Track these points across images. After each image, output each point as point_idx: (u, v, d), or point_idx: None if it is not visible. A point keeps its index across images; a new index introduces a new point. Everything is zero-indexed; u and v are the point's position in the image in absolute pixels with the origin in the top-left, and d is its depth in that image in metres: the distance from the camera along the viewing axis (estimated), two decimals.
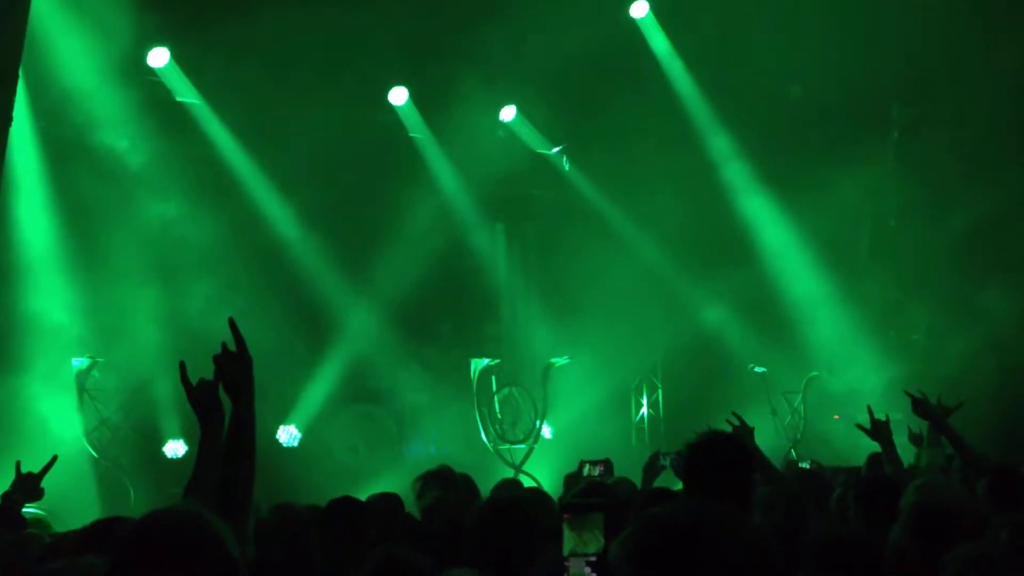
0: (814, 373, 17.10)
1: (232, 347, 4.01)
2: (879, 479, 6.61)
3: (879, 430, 7.76)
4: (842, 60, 15.04)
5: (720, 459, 4.60)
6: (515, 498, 5.69)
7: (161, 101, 14.31)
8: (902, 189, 17.25)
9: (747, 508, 4.53)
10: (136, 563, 2.84)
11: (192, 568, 2.83)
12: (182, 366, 4.12)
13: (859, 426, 7.89)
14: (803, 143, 15.96)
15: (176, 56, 14.18)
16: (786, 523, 5.51)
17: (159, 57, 14.11)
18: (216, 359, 4.01)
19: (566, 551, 3.07)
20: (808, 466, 8.51)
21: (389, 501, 6.71)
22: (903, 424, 9.68)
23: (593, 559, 3.06)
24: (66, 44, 12.98)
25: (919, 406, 8.03)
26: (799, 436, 16.72)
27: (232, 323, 4.02)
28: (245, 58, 13.58)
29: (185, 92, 14.57)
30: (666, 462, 8.20)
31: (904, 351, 16.79)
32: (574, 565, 3.06)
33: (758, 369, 17.01)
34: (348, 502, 6.11)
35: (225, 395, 4.05)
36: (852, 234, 17.87)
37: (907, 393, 8.31)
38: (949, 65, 15.29)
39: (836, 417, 17.18)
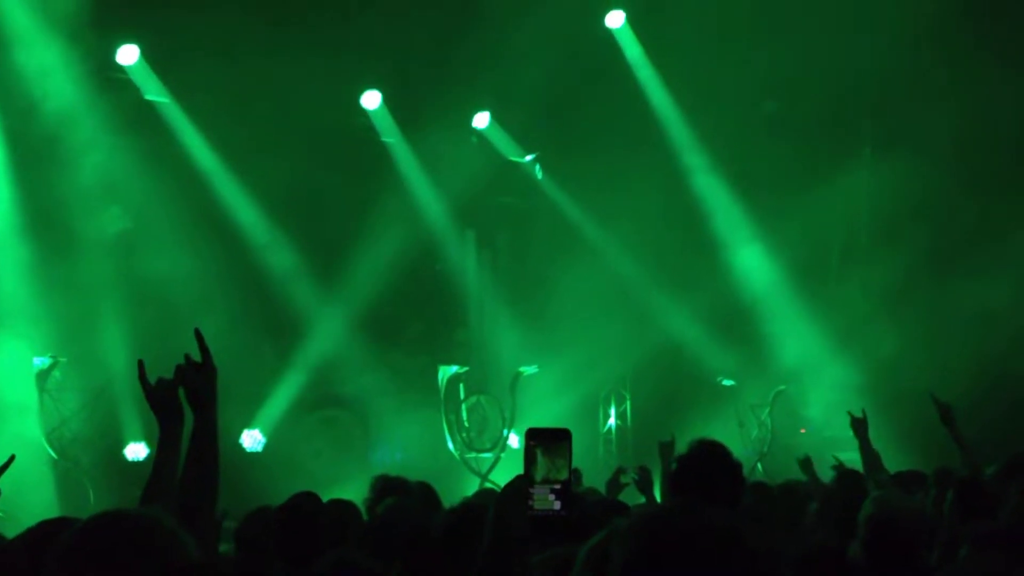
0: (782, 387, 17.12)
1: (197, 357, 3.95)
2: (850, 494, 6.62)
3: (856, 426, 8.49)
4: (816, 76, 15.07)
5: (712, 471, 4.59)
6: (484, 505, 5.62)
7: (130, 99, 14.18)
8: (873, 205, 17.31)
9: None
10: (82, 564, 2.77)
11: (142, 569, 2.76)
12: (140, 365, 4.04)
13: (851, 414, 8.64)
14: (776, 157, 15.97)
15: (146, 54, 14.06)
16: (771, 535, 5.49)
17: (129, 55, 13.98)
18: (178, 369, 3.94)
19: (539, 477, 3.06)
20: (835, 468, 8.55)
21: (344, 506, 6.64)
22: (874, 439, 9.67)
23: (557, 487, 3.05)
24: (34, 41, 12.84)
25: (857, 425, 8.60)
26: (766, 449, 16.73)
27: (198, 334, 3.95)
28: (216, 58, 13.48)
29: (155, 91, 14.45)
30: (627, 479, 8.19)
31: (872, 365, 16.83)
32: (539, 492, 3.05)
33: (726, 382, 17.03)
34: (306, 500, 6.03)
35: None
36: (823, 248, 17.92)
37: (848, 413, 8.88)
38: (920, 82, 15.37)
39: (803, 431, 17.21)
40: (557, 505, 3.05)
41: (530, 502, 3.06)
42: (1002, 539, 4.87)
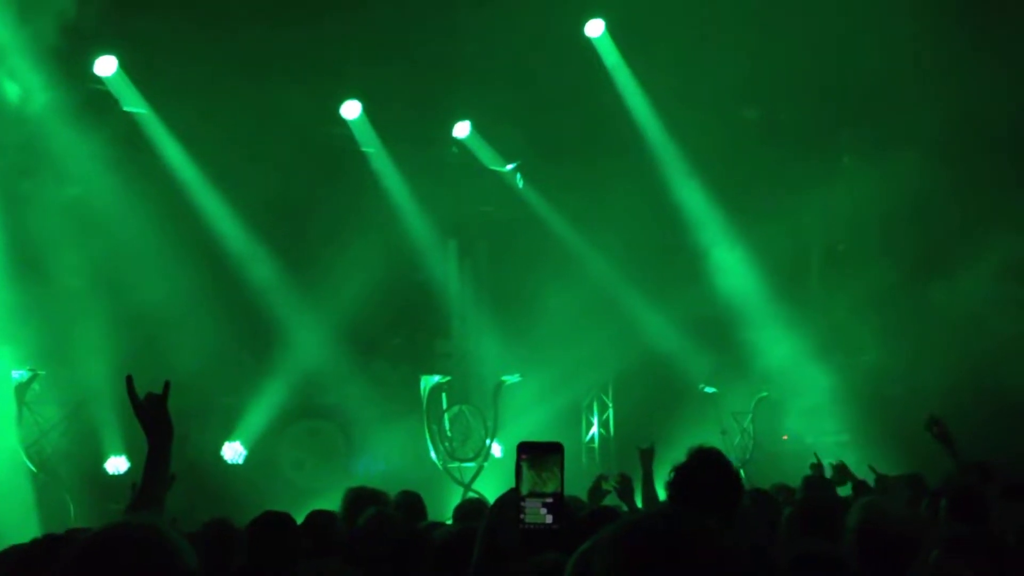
0: (764, 394, 17.16)
1: (178, 369, 3.97)
2: (815, 501, 6.70)
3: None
4: (796, 83, 15.12)
5: (711, 478, 4.61)
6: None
7: (108, 111, 14.14)
8: (852, 213, 17.37)
9: (730, 526, 4.52)
10: None
11: None
12: (129, 380, 4.03)
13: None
14: (757, 165, 16.01)
15: (124, 65, 14.02)
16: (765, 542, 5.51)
17: (106, 65, 13.93)
18: (166, 385, 3.95)
19: (526, 491, 3.04)
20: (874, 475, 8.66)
21: (324, 517, 6.63)
22: (852, 445, 9.75)
23: (549, 500, 3.04)
24: (10, 52, 12.79)
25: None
26: (748, 456, 16.76)
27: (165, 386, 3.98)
28: (195, 69, 13.45)
29: (133, 102, 14.41)
30: (608, 486, 8.19)
31: (852, 372, 16.89)
32: (531, 505, 3.04)
33: (708, 389, 17.05)
34: (278, 517, 6.01)
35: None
36: (804, 255, 17.98)
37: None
38: (899, 89, 15.43)
39: (785, 438, 17.25)
40: (549, 519, 3.04)
41: (522, 516, 3.05)
42: (970, 544, 4.89)
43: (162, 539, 2.88)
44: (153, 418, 4.01)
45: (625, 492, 7.83)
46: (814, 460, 9.14)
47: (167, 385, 3.96)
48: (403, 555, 5.26)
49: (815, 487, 8.27)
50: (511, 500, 3.13)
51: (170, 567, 2.84)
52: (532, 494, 3.07)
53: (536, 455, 3.10)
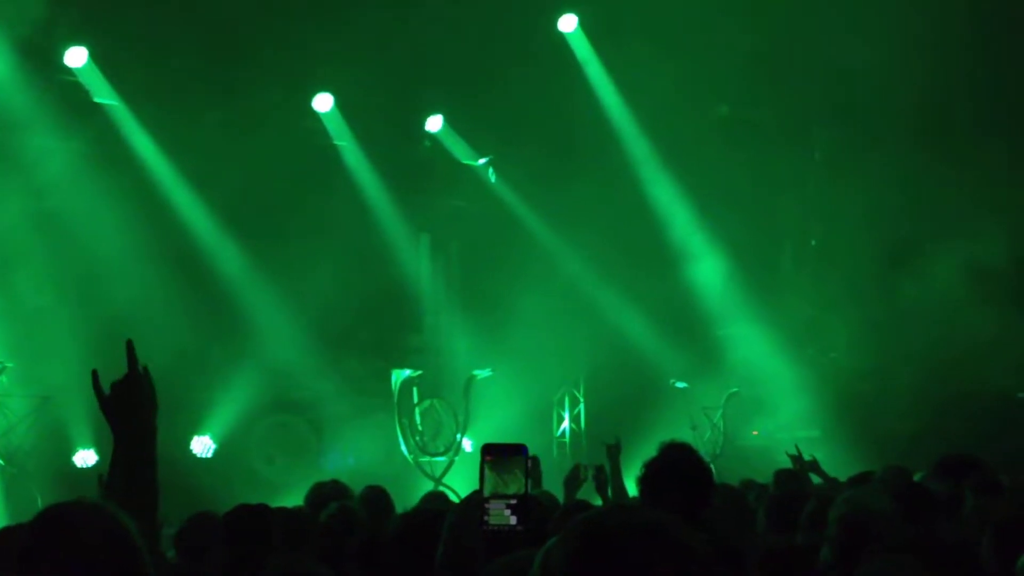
0: (734, 389, 17.20)
1: (149, 363, 3.91)
2: (787, 494, 6.72)
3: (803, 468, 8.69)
4: (768, 80, 15.17)
5: (679, 476, 4.61)
6: (437, 510, 5.62)
7: (78, 102, 14.05)
8: (823, 209, 17.45)
9: (700, 524, 4.53)
10: (39, 555, 2.78)
11: (96, 558, 2.77)
12: (94, 375, 3.98)
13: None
14: (729, 161, 16.06)
15: (95, 56, 13.92)
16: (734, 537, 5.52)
17: (77, 57, 13.84)
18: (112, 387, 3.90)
19: (487, 492, 3.04)
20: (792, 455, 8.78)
21: (291, 512, 6.61)
22: (823, 440, 9.81)
23: (513, 501, 3.04)
24: None
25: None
26: (718, 452, 16.79)
27: (128, 345, 3.91)
28: (166, 60, 13.39)
29: (103, 93, 14.31)
30: (587, 475, 8.20)
31: (823, 368, 16.97)
32: (495, 507, 3.04)
33: (679, 384, 17.07)
34: (251, 509, 5.99)
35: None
36: (775, 253, 18.06)
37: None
38: (871, 88, 15.51)
39: (755, 433, 17.31)
40: (513, 520, 3.04)
41: (485, 517, 3.04)
42: (919, 545, 4.92)
43: (108, 520, 2.86)
44: (117, 410, 3.94)
45: (601, 484, 7.86)
46: (794, 453, 9.20)
47: (133, 362, 3.88)
48: (367, 551, 5.24)
49: (789, 481, 8.31)
50: (475, 501, 3.12)
51: (114, 544, 2.82)
52: (495, 495, 3.06)
53: (500, 457, 3.09)
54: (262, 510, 6.00)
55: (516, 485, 3.05)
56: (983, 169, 14.79)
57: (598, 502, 7.85)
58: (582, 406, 18.56)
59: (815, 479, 8.60)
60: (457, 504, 3.26)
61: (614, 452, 8.21)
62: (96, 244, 13.81)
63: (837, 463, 9.37)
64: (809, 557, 4.75)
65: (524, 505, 3.04)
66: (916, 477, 8.23)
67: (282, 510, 6.56)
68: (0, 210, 13.12)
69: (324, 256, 15.11)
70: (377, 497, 7.48)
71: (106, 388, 3.92)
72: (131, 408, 3.85)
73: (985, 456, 7.18)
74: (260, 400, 15.50)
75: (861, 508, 4.98)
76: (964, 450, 7.92)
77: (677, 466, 4.68)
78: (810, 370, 16.83)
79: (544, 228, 17.27)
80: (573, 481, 8.29)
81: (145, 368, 3.90)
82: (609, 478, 8.06)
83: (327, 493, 7.28)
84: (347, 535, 5.68)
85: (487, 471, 3.06)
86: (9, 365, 13.40)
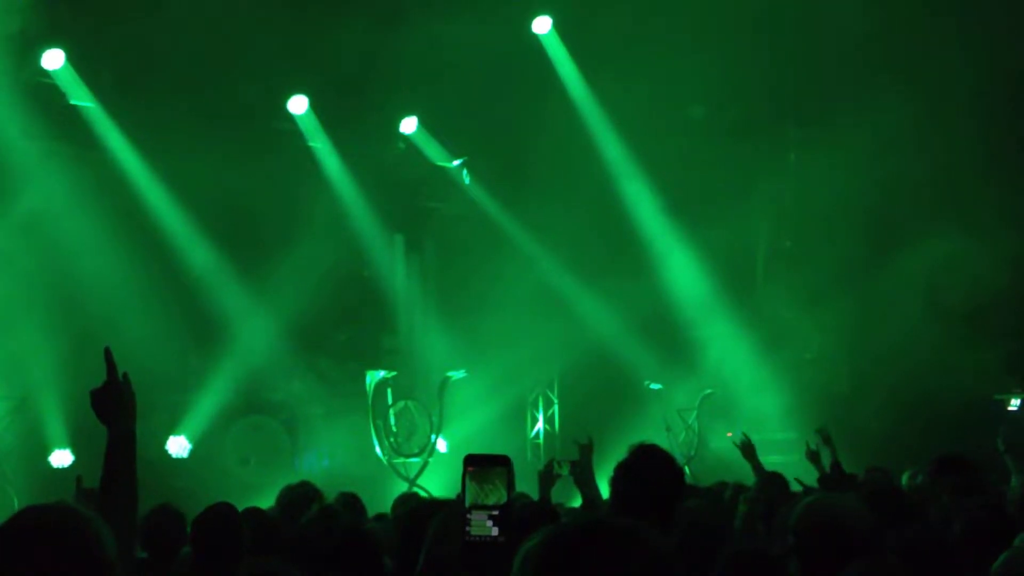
0: (709, 391, 17.25)
1: (123, 366, 3.92)
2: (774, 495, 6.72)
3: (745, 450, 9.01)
4: (741, 81, 15.22)
5: (651, 478, 4.63)
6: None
7: (54, 104, 14.01)
8: (797, 210, 17.52)
9: (668, 525, 4.55)
10: (10, 557, 2.79)
11: (64, 564, 2.78)
12: (107, 352, 3.98)
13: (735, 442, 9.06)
14: (703, 162, 16.12)
15: (71, 58, 13.88)
16: (705, 541, 5.53)
17: (54, 59, 13.79)
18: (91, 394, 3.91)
19: (468, 503, 3.06)
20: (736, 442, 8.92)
21: (259, 514, 6.61)
22: (799, 442, 9.86)
23: (495, 512, 3.05)
24: None
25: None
26: (693, 453, 16.85)
27: (107, 352, 3.92)
28: (142, 62, 13.35)
29: (80, 95, 14.27)
30: (563, 471, 8.21)
31: (797, 370, 17.04)
32: (476, 517, 3.05)
33: (654, 386, 17.11)
34: (221, 511, 5.99)
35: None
36: (748, 252, 18.12)
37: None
38: (845, 88, 15.60)
39: (729, 435, 17.35)
40: (495, 531, 3.05)
41: (467, 528, 3.06)
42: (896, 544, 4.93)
43: (79, 523, 2.86)
44: (108, 409, 3.95)
45: (579, 479, 7.85)
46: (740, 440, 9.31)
47: (112, 369, 3.90)
48: (348, 553, 5.25)
49: (771, 483, 8.35)
50: (456, 511, 3.14)
51: (83, 549, 2.82)
52: (476, 506, 3.08)
53: (482, 467, 3.10)
54: (230, 512, 6.00)
55: (497, 496, 3.07)
56: (958, 167, 14.89)
57: (575, 501, 7.87)
58: (556, 407, 18.59)
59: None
60: (438, 515, 3.26)
61: (586, 451, 8.22)
62: (71, 245, 13.77)
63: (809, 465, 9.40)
64: (777, 562, 4.74)
65: (505, 516, 3.06)
66: (904, 478, 8.32)
67: (253, 512, 6.56)
68: None
69: (299, 257, 15.11)
70: (351, 503, 7.51)
71: (85, 394, 3.93)
72: (110, 414, 3.87)
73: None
74: (235, 402, 15.48)
75: (825, 512, 4.93)
76: (937, 451, 7.99)
77: (647, 467, 4.70)
78: (785, 371, 16.89)
79: (518, 229, 17.29)
80: (547, 477, 8.31)
81: (125, 375, 3.92)
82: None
83: (297, 495, 7.29)
84: (328, 537, 5.69)
85: (469, 482, 3.07)
86: None
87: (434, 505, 4.98)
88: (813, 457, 9.22)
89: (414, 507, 5.43)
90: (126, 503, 3.82)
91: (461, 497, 3.08)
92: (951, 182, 14.99)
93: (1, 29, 12.44)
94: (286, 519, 6.86)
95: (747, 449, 9.08)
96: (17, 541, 2.83)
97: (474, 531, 3.04)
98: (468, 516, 3.06)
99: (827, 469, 8.97)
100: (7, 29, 12.46)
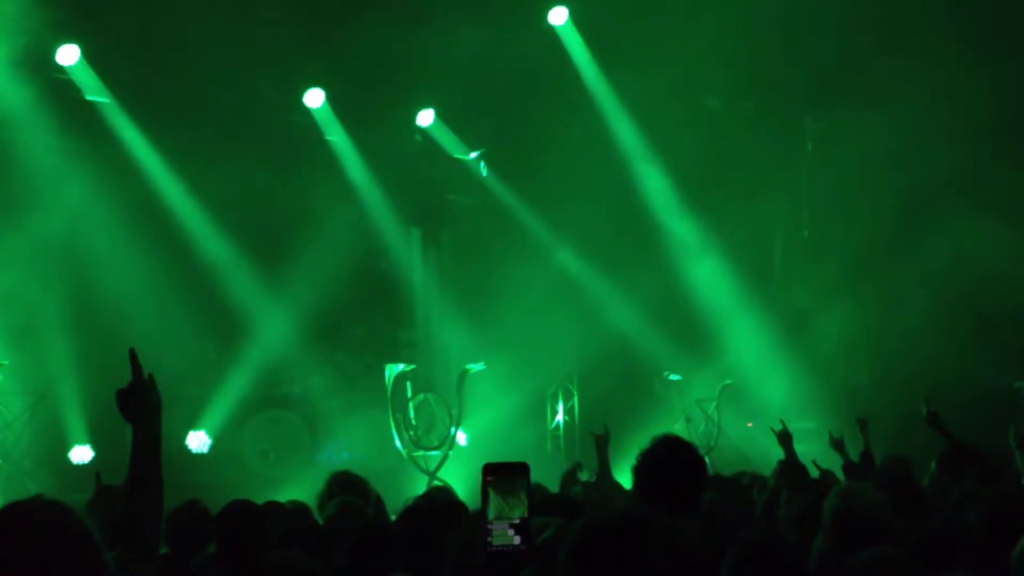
0: (728, 381, 17.22)
1: (145, 364, 3.92)
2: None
3: (782, 439, 8.93)
4: (759, 72, 15.17)
5: (673, 468, 4.62)
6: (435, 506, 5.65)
7: (70, 99, 14.04)
8: (815, 200, 17.47)
9: (694, 515, 4.55)
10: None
11: (53, 557, 2.76)
12: (132, 353, 3.99)
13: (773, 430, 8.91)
14: (720, 153, 16.07)
15: (86, 53, 13.91)
16: (728, 531, 5.52)
17: (69, 54, 13.83)
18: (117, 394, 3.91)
19: (491, 516, 3.04)
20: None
21: (294, 507, 6.62)
22: (818, 431, 9.84)
23: (517, 521, 3.04)
24: None
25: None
26: (713, 444, 16.81)
27: (131, 354, 3.93)
28: (157, 57, 13.37)
29: (95, 90, 14.30)
30: (583, 476, 8.23)
31: (815, 361, 16.99)
32: (498, 528, 3.04)
33: (673, 376, 17.08)
34: (246, 507, 6.00)
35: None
36: (766, 244, 18.07)
37: None
38: (861, 78, 15.52)
39: (749, 425, 17.32)
40: (517, 540, 3.04)
41: (488, 538, 3.04)
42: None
43: (70, 521, 2.83)
44: (134, 408, 3.95)
45: (591, 500, 7.83)
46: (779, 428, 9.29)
47: (137, 370, 3.91)
48: (365, 547, 5.25)
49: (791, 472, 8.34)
50: (478, 523, 3.12)
51: (74, 546, 2.80)
52: (498, 517, 3.06)
53: (502, 476, 3.08)
54: (254, 508, 6.01)
55: (519, 509, 3.05)
56: (976, 155, 14.80)
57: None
58: (575, 399, 18.56)
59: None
60: (460, 526, 3.25)
61: (602, 442, 8.22)
62: (89, 240, 13.82)
63: (832, 454, 9.38)
64: (785, 551, 4.72)
65: (528, 525, 3.05)
66: (932, 466, 8.28)
67: (277, 506, 6.57)
68: None
69: (316, 251, 15.13)
70: (347, 485, 7.48)
71: (111, 395, 3.93)
72: (135, 414, 3.88)
73: (982, 446, 7.21)
74: (254, 396, 15.51)
75: (855, 500, 4.98)
76: (962, 440, 7.97)
77: (670, 458, 4.70)
78: (804, 361, 16.84)
79: (536, 221, 17.28)
80: (569, 479, 8.33)
81: (150, 375, 3.92)
82: (598, 468, 8.08)
83: (345, 484, 7.22)
84: (347, 531, 5.69)
85: (490, 493, 3.06)
86: (4, 362, 13.39)
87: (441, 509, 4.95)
88: (838, 445, 9.20)
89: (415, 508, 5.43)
90: (152, 502, 3.83)
91: (483, 510, 3.07)
92: (970, 172, 14.90)
93: (16, 25, 12.46)
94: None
95: (784, 438, 9.04)
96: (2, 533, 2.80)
97: (496, 541, 3.04)
98: (490, 527, 3.05)
99: (854, 459, 8.97)
100: (22, 25, 12.49)
